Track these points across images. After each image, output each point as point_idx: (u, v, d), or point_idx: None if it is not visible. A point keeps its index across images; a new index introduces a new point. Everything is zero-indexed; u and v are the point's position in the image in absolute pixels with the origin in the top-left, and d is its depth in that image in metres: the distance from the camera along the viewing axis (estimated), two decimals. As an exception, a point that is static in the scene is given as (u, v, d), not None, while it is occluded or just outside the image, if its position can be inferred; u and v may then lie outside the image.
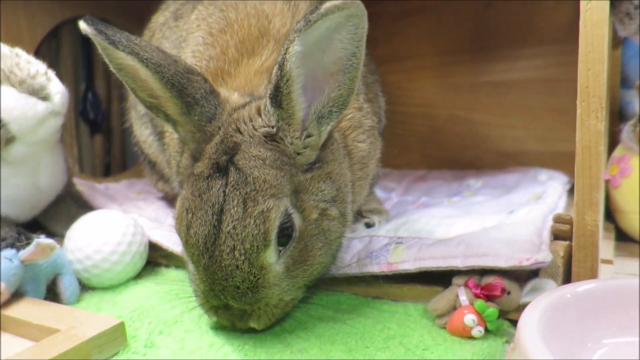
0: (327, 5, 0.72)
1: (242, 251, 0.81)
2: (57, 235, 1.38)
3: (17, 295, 1.02)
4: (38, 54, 1.73)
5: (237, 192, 0.82)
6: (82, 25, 0.87)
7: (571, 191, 1.36)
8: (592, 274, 0.89)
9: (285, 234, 0.84)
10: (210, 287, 0.85)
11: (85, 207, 1.47)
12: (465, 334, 0.87)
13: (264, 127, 0.86)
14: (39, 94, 1.18)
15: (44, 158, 1.32)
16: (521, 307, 0.89)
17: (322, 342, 0.89)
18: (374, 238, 1.12)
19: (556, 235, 0.99)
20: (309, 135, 0.87)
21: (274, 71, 0.80)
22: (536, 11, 1.66)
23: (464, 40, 1.80)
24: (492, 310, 0.87)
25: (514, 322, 0.91)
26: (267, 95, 0.83)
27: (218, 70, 1.04)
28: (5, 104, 1.14)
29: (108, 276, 1.16)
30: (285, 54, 0.77)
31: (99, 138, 2.07)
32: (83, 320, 0.91)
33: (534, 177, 1.48)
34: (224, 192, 0.82)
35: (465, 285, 0.92)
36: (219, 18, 1.09)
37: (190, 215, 0.84)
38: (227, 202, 0.81)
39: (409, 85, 1.93)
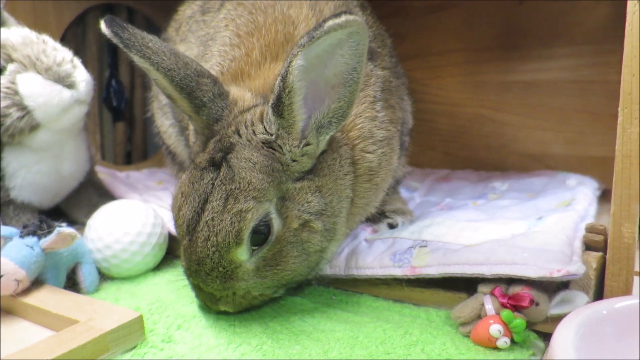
0: (330, 23, 0.74)
1: (215, 242, 0.86)
2: (78, 222, 1.39)
3: (37, 282, 1.02)
4: (64, 40, 1.73)
5: (223, 187, 0.87)
6: (102, 26, 0.91)
7: (601, 198, 1.33)
8: (627, 288, 0.85)
9: (262, 235, 0.88)
10: (187, 266, 0.92)
11: (106, 195, 1.47)
12: (490, 345, 0.85)
13: (263, 134, 0.89)
14: (65, 81, 1.17)
15: (67, 145, 1.32)
16: (549, 319, 0.86)
17: (341, 345, 0.87)
18: (397, 240, 1.09)
19: (588, 246, 0.95)
20: (307, 144, 0.89)
21: (277, 82, 0.82)
22: (570, 10, 1.60)
23: (494, 37, 1.75)
24: (519, 321, 0.84)
25: (541, 334, 0.89)
26: (270, 104, 0.86)
27: (239, 70, 1.05)
28: (31, 91, 1.15)
29: (127, 266, 1.16)
30: (288, 67, 0.79)
31: (121, 125, 2.07)
32: (102, 311, 0.91)
33: (563, 181, 1.43)
34: (213, 184, 0.88)
35: (492, 293, 0.90)
36: (248, 21, 1.09)
37: (182, 198, 0.91)
38: (212, 194, 0.87)
39: (435, 82, 1.89)
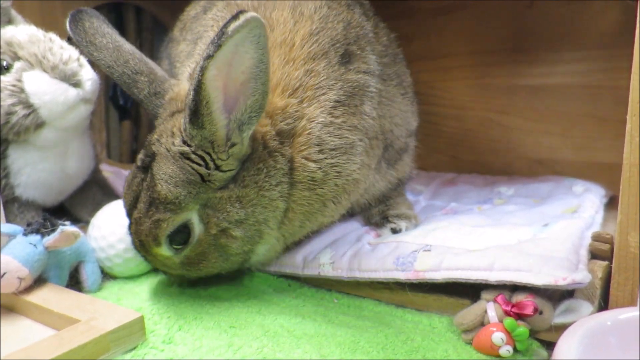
0: (232, 27, 0.76)
1: (140, 239, 0.95)
2: (82, 221, 1.39)
3: (40, 281, 1.02)
4: (71, 38, 1.73)
5: (147, 193, 0.92)
6: (67, 21, 1.03)
7: (608, 205, 1.31)
8: (632, 299, 0.84)
9: (185, 236, 0.94)
10: None
11: (110, 194, 1.47)
12: (493, 353, 0.84)
13: (180, 146, 0.90)
14: (71, 80, 1.17)
15: (72, 144, 1.32)
16: (553, 328, 0.85)
17: (342, 350, 0.87)
18: (401, 243, 1.08)
19: (594, 254, 0.94)
20: (232, 145, 0.90)
21: (190, 97, 0.82)
22: (581, 14, 1.58)
23: (502, 40, 1.74)
24: (522, 329, 0.83)
25: (545, 343, 0.88)
26: (187, 120, 0.86)
27: None
28: (37, 89, 1.15)
29: (130, 266, 1.16)
30: (201, 79, 0.79)
31: (127, 124, 2.07)
32: (103, 311, 0.91)
33: (569, 187, 1.42)
34: (141, 186, 0.94)
35: (495, 300, 0.89)
36: None
37: (126, 189, 0.99)
38: (140, 196, 0.94)
39: (442, 85, 1.88)
